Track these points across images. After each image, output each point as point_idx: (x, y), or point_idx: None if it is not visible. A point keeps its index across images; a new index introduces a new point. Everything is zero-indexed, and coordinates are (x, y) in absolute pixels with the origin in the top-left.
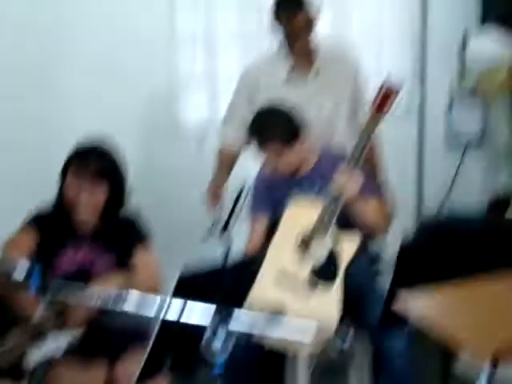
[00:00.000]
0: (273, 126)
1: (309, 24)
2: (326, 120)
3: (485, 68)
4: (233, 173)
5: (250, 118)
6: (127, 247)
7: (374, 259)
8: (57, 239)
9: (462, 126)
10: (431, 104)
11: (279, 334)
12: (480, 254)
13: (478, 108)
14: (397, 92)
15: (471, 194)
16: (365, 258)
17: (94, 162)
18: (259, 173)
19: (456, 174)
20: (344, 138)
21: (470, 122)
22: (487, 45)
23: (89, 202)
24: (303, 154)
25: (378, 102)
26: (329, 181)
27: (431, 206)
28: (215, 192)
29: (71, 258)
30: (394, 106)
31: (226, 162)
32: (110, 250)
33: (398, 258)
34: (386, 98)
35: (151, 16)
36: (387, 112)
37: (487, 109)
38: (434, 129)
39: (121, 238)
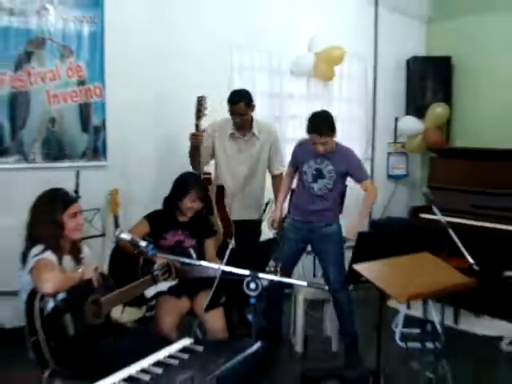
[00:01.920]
0: (327, 126)
1: (243, 110)
2: (254, 161)
3: (407, 135)
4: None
5: (209, 152)
6: (201, 236)
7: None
8: (163, 227)
9: (395, 168)
10: (378, 155)
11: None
12: (403, 241)
13: (404, 157)
14: None
15: (401, 206)
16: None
17: (200, 191)
18: (302, 143)
19: (392, 195)
20: (262, 174)
21: (400, 165)
22: (408, 123)
23: (193, 212)
24: (333, 144)
25: None
26: (336, 162)
27: (378, 213)
28: None
29: (171, 238)
30: None
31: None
32: (192, 235)
33: (357, 243)
34: None
35: None
36: None
37: (409, 159)
38: (380, 168)
39: (199, 230)
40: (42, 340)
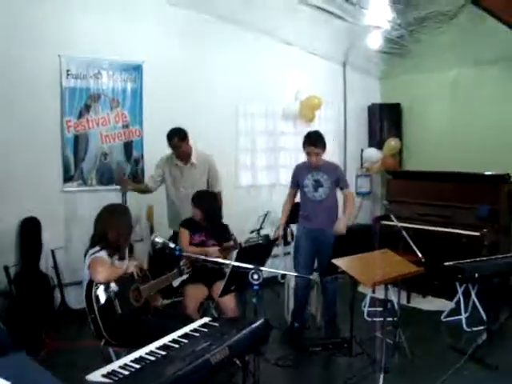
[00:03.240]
0: (320, 140)
1: (177, 144)
2: (194, 183)
3: (370, 162)
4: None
5: (159, 177)
6: (221, 238)
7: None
8: (192, 230)
9: (361, 186)
10: (349, 177)
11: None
12: (368, 242)
13: (368, 178)
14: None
15: (366, 216)
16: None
17: (199, 207)
18: (303, 163)
19: (360, 207)
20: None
21: (365, 184)
22: (371, 153)
23: (198, 218)
24: (321, 158)
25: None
26: (328, 172)
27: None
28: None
29: (197, 238)
30: None
31: (148, 190)
32: (212, 236)
33: (334, 244)
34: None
35: None
36: None
37: (372, 179)
38: (350, 187)
39: (218, 233)
40: (98, 318)
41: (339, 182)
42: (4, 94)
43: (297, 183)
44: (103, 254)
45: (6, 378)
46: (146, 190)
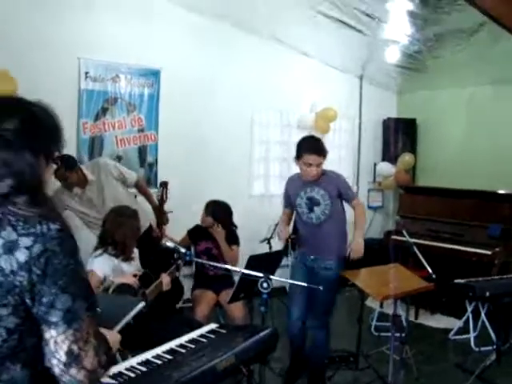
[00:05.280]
0: (322, 147)
1: (65, 175)
2: (101, 199)
3: (383, 176)
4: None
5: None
6: (228, 243)
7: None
8: (198, 237)
9: (373, 200)
10: (361, 191)
11: None
12: (379, 256)
13: (380, 193)
14: None
15: (377, 230)
16: None
17: (210, 214)
18: (295, 177)
19: (371, 221)
20: (120, 195)
21: (377, 199)
22: (384, 167)
23: (206, 225)
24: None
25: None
26: (326, 186)
27: None
28: None
29: (204, 245)
30: None
31: None
32: (219, 246)
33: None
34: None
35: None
36: None
37: (384, 194)
38: (362, 200)
39: (226, 239)
40: None
41: (341, 193)
42: (22, 93)
43: (290, 203)
44: (102, 260)
45: None
46: None
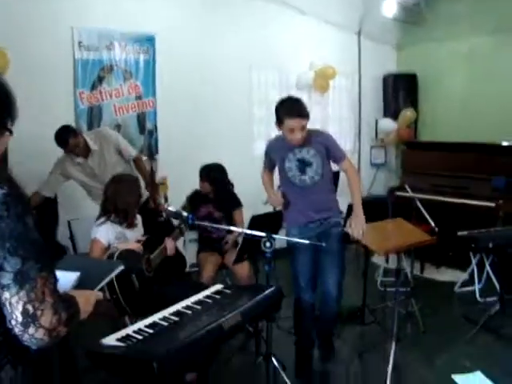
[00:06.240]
0: (304, 107)
1: (76, 142)
2: (103, 168)
3: (384, 133)
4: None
5: (58, 184)
6: (229, 208)
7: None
8: (199, 202)
9: (377, 157)
10: (363, 148)
11: None
12: (383, 212)
13: (383, 150)
14: None
15: (380, 187)
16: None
17: (206, 180)
18: (277, 140)
19: (374, 178)
20: (119, 166)
21: (379, 155)
22: (386, 124)
23: (205, 191)
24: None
25: None
26: (318, 142)
27: (364, 192)
28: None
29: (204, 210)
30: None
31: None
32: (220, 209)
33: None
34: None
35: None
36: None
37: (386, 150)
38: (365, 158)
39: (226, 203)
40: (121, 299)
41: (330, 152)
42: (16, 68)
43: (272, 164)
44: (105, 228)
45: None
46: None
